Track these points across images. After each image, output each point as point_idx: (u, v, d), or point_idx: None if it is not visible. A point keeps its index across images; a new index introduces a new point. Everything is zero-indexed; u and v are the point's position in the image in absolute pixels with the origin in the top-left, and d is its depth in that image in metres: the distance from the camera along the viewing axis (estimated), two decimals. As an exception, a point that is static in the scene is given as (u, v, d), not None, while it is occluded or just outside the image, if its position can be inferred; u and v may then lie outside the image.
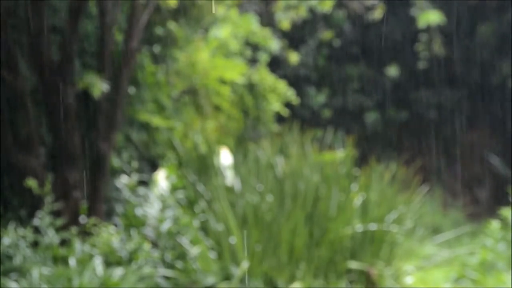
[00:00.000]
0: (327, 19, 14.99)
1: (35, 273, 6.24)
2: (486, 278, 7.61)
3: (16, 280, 6.27)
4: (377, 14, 11.72)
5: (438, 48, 13.25)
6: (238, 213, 7.99)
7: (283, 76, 11.57)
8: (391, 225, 8.32)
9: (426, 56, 14.18)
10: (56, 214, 6.85)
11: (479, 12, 15.18)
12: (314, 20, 14.49)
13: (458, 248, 9.48)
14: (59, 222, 6.73)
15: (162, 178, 7.85)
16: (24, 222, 6.97)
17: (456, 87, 15.48)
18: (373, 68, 15.64)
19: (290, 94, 10.74)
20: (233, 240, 7.77)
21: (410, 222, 8.80)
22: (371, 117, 15.46)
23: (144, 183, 8.12)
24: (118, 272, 6.50)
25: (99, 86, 7.37)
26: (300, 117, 12.26)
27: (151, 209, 7.44)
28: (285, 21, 10.94)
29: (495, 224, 8.25)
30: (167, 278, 7.14)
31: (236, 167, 8.56)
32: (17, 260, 6.40)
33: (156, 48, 9.24)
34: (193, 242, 7.37)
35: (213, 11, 9.76)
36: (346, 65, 15.62)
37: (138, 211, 7.42)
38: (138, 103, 8.73)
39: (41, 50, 7.21)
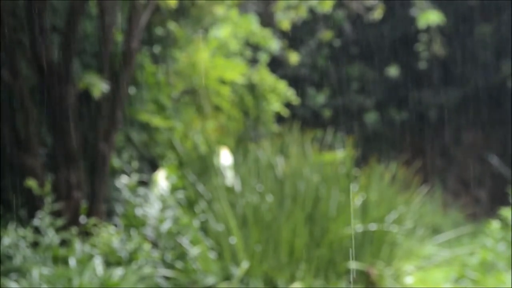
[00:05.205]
0: (327, 19, 14.99)
1: (35, 273, 6.24)
2: (486, 278, 7.61)
3: (16, 280, 6.27)
4: (377, 14, 11.72)
5: (438, 48, 13.25)
6: (238, 213, 7.99)
7: (283, 76, 11.57)
8: (391, 225, 8.32)
9: (426, 56, 14.18)
10: (56, 214, 6.85)
11: (479, 12, 15.18)
12: (314, 20, 14.48)
13: (458, 248, 9.48)
14: (59, 222, 6.73)
15: (162, 178, 7.85)
16: (24, 222, 6.96)
17: (456, 87, 15.48)
18: (373, 68, 15.64)
19: (290, 94, 10.74)
20: (233, 240, 7.76)
21: (410, 222, 8.80)
22: (371, 117, 15.46)
23: (144, 183, 8.12)
24: (118, 272, 6.50)
25: (99, 86, 7.38)
26: (300, 117, 12.25)
27: (151, 209, 7.44)
28: (285, 21, 10.93)
29: (495, 224, 8.25)
30: (167, 278, 7.14)
31: (236, 167, 8.56)
32: (17, 260, 6.40)
33: (156, 48, 9.24)
34: (193, 242, 7.37)
35: (213, 11, 9.76)
36: (346, 65, 15.62)
37: (138, 211, 7.42)
38: (138, 103, 8.73)
39: (41, 50, 7.21)
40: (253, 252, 7.74)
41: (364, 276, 8.04)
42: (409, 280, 8.33)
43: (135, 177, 7.83)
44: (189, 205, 8.01)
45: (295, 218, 7.94)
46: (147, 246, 6.96)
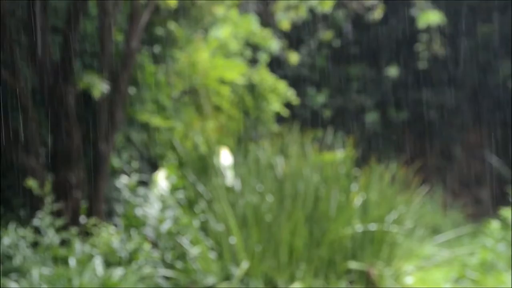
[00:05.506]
0: (327, 19, 14.99)
1: (35, 273, 6.24)
2: (486, 278, 7.61)
3: (16, 280, 6.27)
4: (377, 14, 11.72)
5: (438, 48, 13.25)
6: (238, 213, 7.99)
7: (283, 76, 11.56)
8: (391, 225, 8.32)
9: (426, 56, 14.17)
10: (56, 214, 6.85)
11: (479, 12, 15.18)
12: (314, 20, 14.48)
13: (458, 248, 9.48)
14: (59, 222, 6.73)
15: (162, 178, 7.85)
16: (24, 222, 6.96)
17: (456, 87, 15.47)
18: (373, 68, 15.64)
19: (290, 94, 10.73)
20: (233, 240, 7.76)
21: (410, 222, 8.80)
22: (371, 117, 15.45)
23: (144, 183, 8.12)
24: (118, 272, 6.50)
25: (99, 86, 7.37)
26: (300, 117, 12.26)
27: (151, 209, 7.44)
28: (285, 21, 10.93)
29: (495, 224, 8.25)
30: (167, 278, 7.14)
31: (236, 167, 8.56)
32: (17, 260, 6.40)
33: (156, 48, 9.24)
34: (193, 242, 7.37)
35: (213, 11, 9.76)
36: (346, 65, 15.61)
37: (138, 212, 7.42)
38: (138, 103, 8.73)
39: (41, 50, 7.20)
40: (253, 252, 7.74)
41: (364, 276, 8.04)
42: (409, 280, 8.33)
43: (135, 177, 7.83)
44: (189, 205, 8.01)
45: (295, 218, 7.93)
46: (147, 246, 6.96)
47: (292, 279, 7.76)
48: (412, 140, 15.51)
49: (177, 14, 9.37)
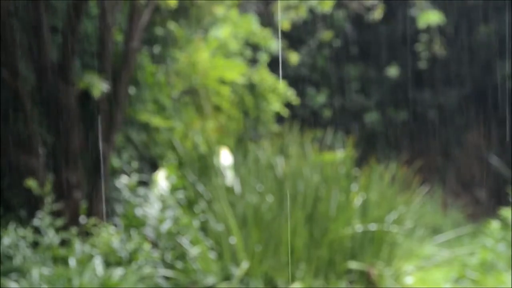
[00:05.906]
0: (327, 19, 14.99)
1: (35, 273, 6.24)
2: (486, 278, 7.61)
3: (16, 280, 6.27)
4: (377, 14, 11.72)
5: (438, 48, 13.25)
6: (238, 213, 8.00)
7: (283, 76, 11.56)
8: (391, 225, 8.32)
9: (426, 56, 14.17)
10: (56, 214, 6.85)
11: (479, 12, 15.18)
12: (314, 20, 14.48)
13: (458, 248, 9.48)
14: (59, 222, 6.73)
15: (162, 178, 7.86)
16: (24, 222, 6.97)
17: (456, 87, 15.47)
18: (373, 68, 15.64)
19: (290, 94, 10.73)
20: (233, 240, 7.77)
21: (410, 222, 8.81)
22: (371, 117, 15.45)
23: (144, 183, 8.12)
24: (118, 272, 6.50)
25: (99, 86, 7.37)
26: (300, 117, 12.25)
27: (151, 210, 7.44)
28: (285, 21, 10.93)
29: (495, 224, 8.25)
30: (167, 278, 7.14)
31: (236, 167, 8.56)
32: (17, 260, 6.40)
33: (156, 48, 9.24)
34: (193, 242, 7.37)
35: (213, 11, 9.76)
36: (346, 65, 15.61)
37: (138, 212, 7.42)
38: (138, 103, 8.73)
39: (41, 50, 7.21)
40: (253, 252, 7.74)
41: (364, 276, 8.04)
42: (409, 280, 8.33)
43: (135, 177, 7.83)
44: (189, 205, 8.01)
45: (295, 218, 7.94)
46: (147, 246, 6.96)
47: (292, 279, 7.76)
48: (412, 140, 15.51)
49: (177, 14, 9.37)
